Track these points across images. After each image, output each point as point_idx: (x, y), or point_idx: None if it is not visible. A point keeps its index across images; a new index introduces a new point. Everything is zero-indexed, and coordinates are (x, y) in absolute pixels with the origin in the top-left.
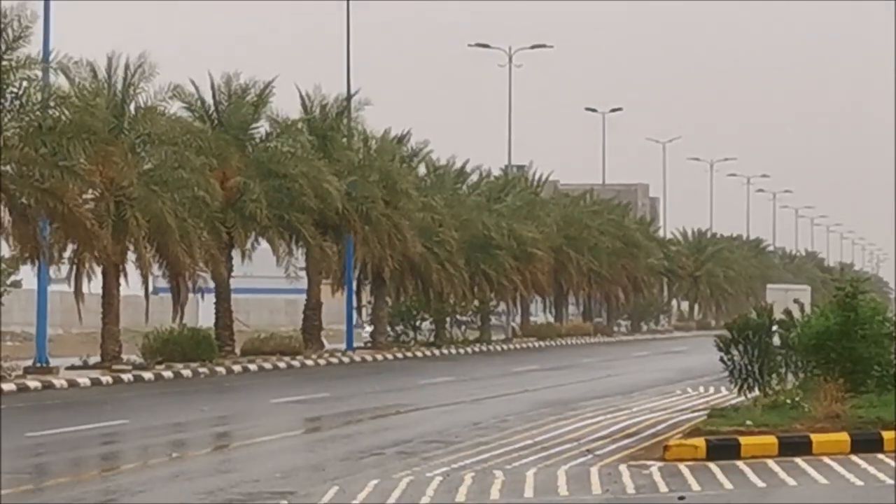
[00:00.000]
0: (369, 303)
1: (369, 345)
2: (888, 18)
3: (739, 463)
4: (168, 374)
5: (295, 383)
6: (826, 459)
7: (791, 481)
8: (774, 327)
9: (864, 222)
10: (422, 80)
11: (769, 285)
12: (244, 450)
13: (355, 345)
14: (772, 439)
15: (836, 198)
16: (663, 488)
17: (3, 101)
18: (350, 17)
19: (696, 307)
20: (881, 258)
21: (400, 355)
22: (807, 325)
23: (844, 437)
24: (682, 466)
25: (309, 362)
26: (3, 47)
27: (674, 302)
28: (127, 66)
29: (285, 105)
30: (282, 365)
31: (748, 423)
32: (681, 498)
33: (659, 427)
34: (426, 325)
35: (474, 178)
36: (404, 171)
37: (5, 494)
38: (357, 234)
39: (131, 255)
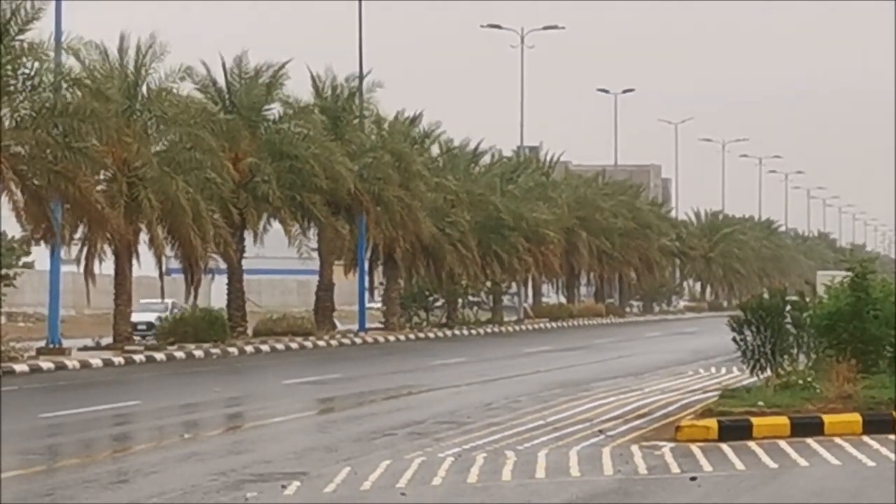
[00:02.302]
0: (381, 284)
1: (382, 325)
2: None
3: (751, 443)
4: (180, 354)
5: (307, 364)
6: (838, 440)
7: (803, 462)
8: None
9: (877, 203)
10: (434, 62)
11: (819, 272)
12: (256, 431)
13: (367, 325)
14: (784, 420)
15: (849, 179)
16: (675, 469)
17: (15, 82)
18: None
19: (708, 288)
20: (893, 239)
21: (412, 336)
22: (819, 305)
23: (856, 417)
24: (693, 447)
25: (321, 343)
26: (16, 29)
27: (686, 283)
28: (139, 48)
29: (297, 87)
30: (294, 346)
31: (760, 403)
32: (693, 479)
33: (671, 408)
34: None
35: (486, 159)
36: (416, 153)
37: (20, 475)
38: (369, 214)
39: (143, 237)
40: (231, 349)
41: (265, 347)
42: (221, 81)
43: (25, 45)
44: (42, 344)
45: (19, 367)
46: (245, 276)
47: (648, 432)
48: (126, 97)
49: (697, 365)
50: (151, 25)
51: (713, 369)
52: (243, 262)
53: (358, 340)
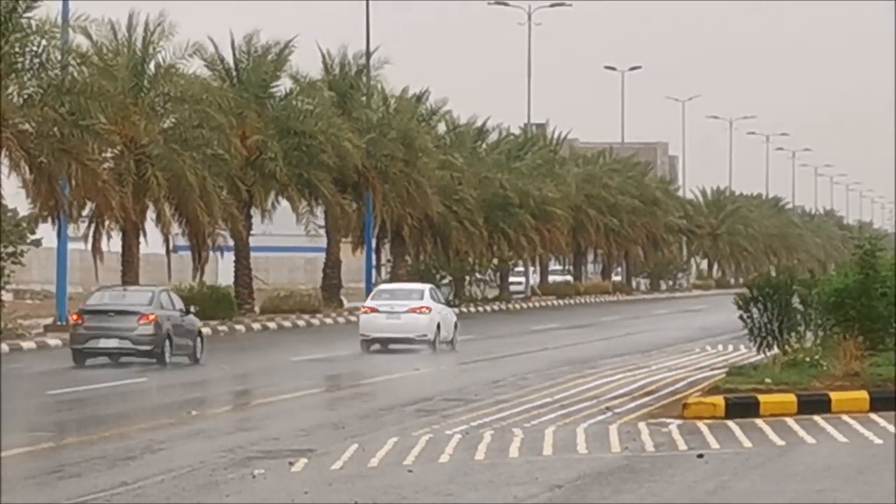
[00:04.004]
0: (389, 261)
1: None
2: None
3: (758, 421)
4: None
5: (314, 341)
6: (845, 417)
7: (810, 439)
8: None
9: (884, 180)
10: (441, 40)
11: None
12: (264, 408)
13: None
14: (791, 397)
15: (856, 156)
16: (682, 446)
17: (23, 60)
18: None
19: (716, 266)
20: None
21: None
22: (826, 282)
23: (863, 395)
24: (700, 424)
25: (328, 320)
26: (24, 6)
27: (693, 260)
28: (147, 25)
29: (306, 65)
30: (301, 323)
31: (767, 381)
32: (700, 456)
33: (678, 385)
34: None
35: (494, 136)
36: (423, 130)
37: (28, 451)
38: (376, 192)
39: (150, 214)
40: (238, 326)
41: (272, 325)
42: (229, 58)
43: (33, 22)
44: (50, 321)
45: (27, 345)
46: (252, 254)
47: (655, 409)
48: (134, 75)
49: (704, 342)
50: (160, 3)
51: (720, 347)
52: (250, 239)
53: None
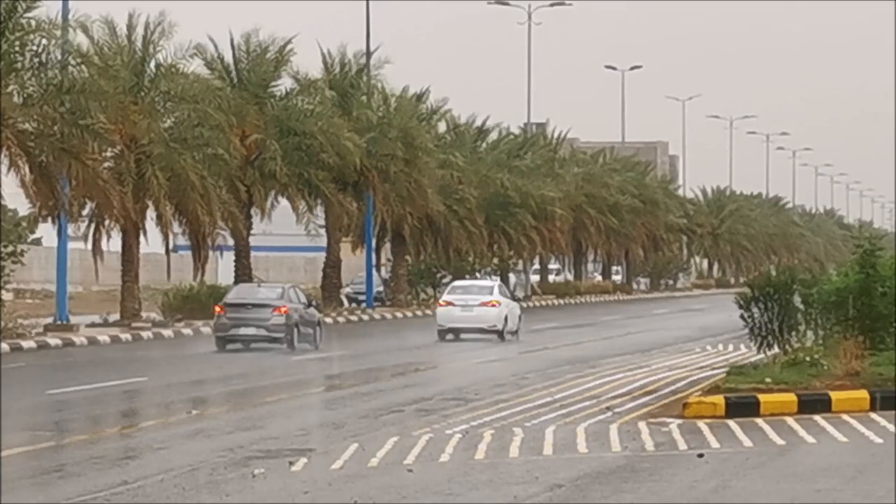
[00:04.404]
0: (389, 260)
1: (389, 302)
2: None
3: (759, 420)
4: (187, 331)
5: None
6: (845, 417)
7: (810, 439)
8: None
9: (884, 180)
10: (442, 39)
11: None
12: (264, 407)
13: (374, 303)
14: (791, 397)
15: (856, 155)
16: (682, 446)
17: (23, 59)
18: None
19: (716, 265)
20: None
21: (419, 313)
22: (827, 282)
23: (864, 394)
24: (701, 424)
25: (328, 320)
26: (24, 6)
27: (693, 260)
28: (147, 25)
29: (306, 64)
30: None
31: (767, 380)
32: (700, 455)
33: (678, 384)
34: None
35: (494, 135)
36: (423, 129)
37: (28, 451)
38: (376, 191)
39: (151, 213)
40: None
41: None
42: (229, 58)
43: (33, 21)
44: (50, 320)
45: (27, 344)
46: (252, 253)
47: (656, 409)
48: (134, 74)
49: (705, 342)
50: (160, 3)
51: (720, 346)
52: (250, 238)
53: (365, 317)
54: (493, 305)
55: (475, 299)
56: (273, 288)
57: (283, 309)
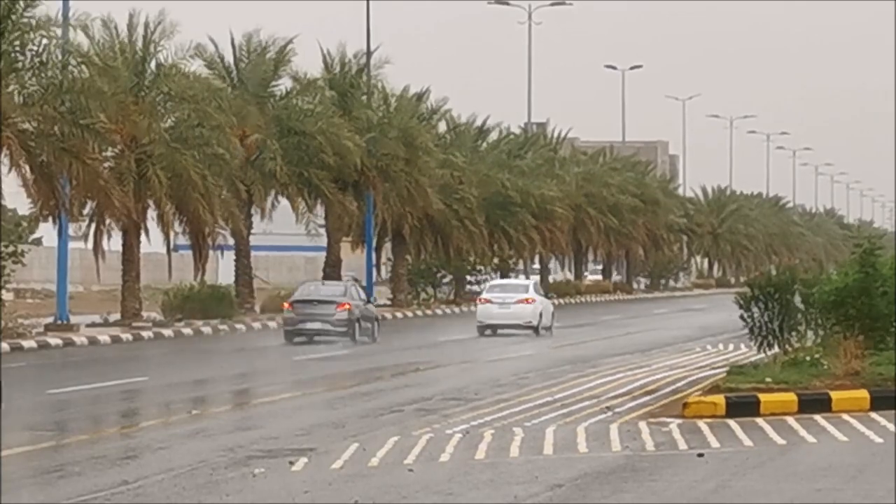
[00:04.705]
0: (389, 260)
1: (389, 302)
2: None
3: (759, 420)
4: (188, 331)
5: (315, 341)
6: (845, 416)
7: (811, 438)
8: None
9: (884, 179)
10: (442, 39)
11: None
12: (264, 407)
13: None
14: (791, 396)
15: (856, 155)
16: (683, 445)
17: (23, 59)
18: None
19: (716, 265)
20: (894, 213)
21: (420, 313)
22: (827, 281)
23: (864, 394)
24: (701, 423)
25: None
26: (23, 5)
27: (693, 260)
28: (147, 24)
29: (306, 64)
30: None
31: (767, 380)
32: (700, 455)
33: (678, 384)
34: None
35: (494, 135)
36: (424, 129)
37: (29, 451)
38: (377, 190)
39: (151, 213)
40: (239, 325)
41: (273, 324)
42: (229, 57)
43: (33, 21)
44: (50, 320)
45: (27, 344)
46: (253, 253)
47: (656, 409)
48: (134, 74)
49: (705, 341)
50: (161, 3)
51: (721, 346)
52: (251, 238)
53: None
54: (529, 302)
55: (512, 297)
56: (336, 285)
57: (346, 305)
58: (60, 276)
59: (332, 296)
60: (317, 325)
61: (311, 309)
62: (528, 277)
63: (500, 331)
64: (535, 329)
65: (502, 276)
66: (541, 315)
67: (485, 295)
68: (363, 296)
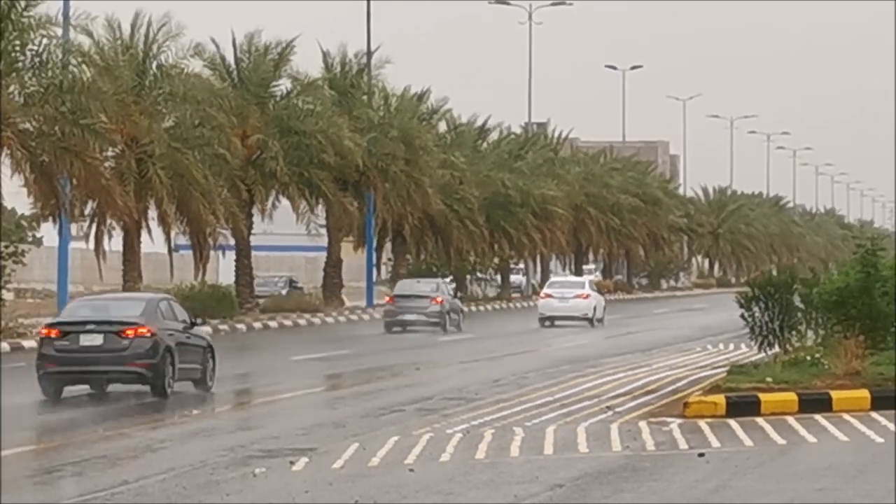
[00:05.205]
0: (390, 260)
1: None
2: None
3: (759, 420)
4: None
5: (315, 340)
6: (846, 416)
7: (811, 438)
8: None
9: (884, 179)
10: (442, 39)
11: None
12: (264, 407)
13: (375, 302)
14: (792, 396)
15: (856, 155)
16: (683, 445)
17: (24, 58)
18: None
19: (717, 264)
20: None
21: None
22: (827, 281)
23: (864, 393)
24: (701, 423)
25: (329, 319)
26: (23, 4)
27: (694, 259)
28: (149, 25)
29: (307, 65)
30: (302, 322)
31: (768, 380)
32: (700, 454)
33: (679, 384)
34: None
35: (494, 135)
36: (424, 129)
37: (30, 451)
38: (377, 191)
39: (152, 213)
40: (239, 325)
41: (273, 324)
42: (230, 58)
43: (34, 20)
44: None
45: (28, 343)
46: (253, 253)
47: (656, 408)
48: (136, 74)
49: (705, 341)
50: (162, 3)
51: (721, 346)
52: (251, 238)
53: (366, 317)
54: (585, 297)
55: (570, 292)
56: (429, 282)
57: (438, 299)
58: (61, 276)
59: (427, 291)
60: (413, 317)
61: (409, 303)
62: (527, 276)
63: (557, 322)
64: (591, 321)
65: (503, 276)
66: (594, 308)
67: (545, 290)
68: (451, 291)
